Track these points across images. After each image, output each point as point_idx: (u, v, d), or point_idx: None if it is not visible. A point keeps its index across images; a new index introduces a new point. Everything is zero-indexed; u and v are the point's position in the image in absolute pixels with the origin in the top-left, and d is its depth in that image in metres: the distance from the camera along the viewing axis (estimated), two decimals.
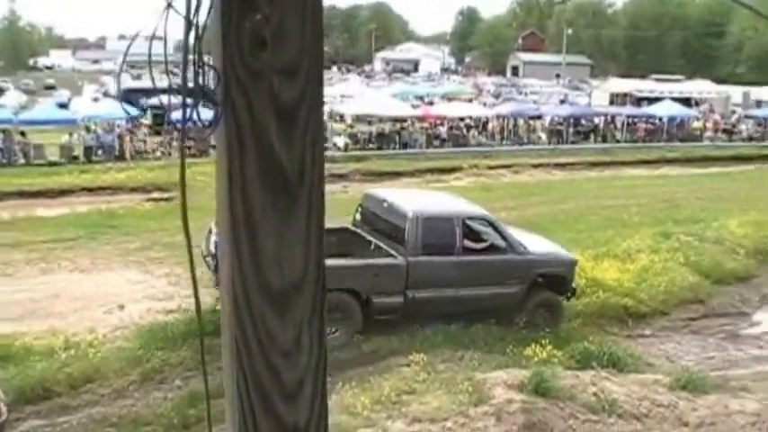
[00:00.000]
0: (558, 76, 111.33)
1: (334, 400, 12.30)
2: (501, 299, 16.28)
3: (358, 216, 17.74)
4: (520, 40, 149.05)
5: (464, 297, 15.87)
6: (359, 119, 48.31)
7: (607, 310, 18.76)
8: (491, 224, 16.67)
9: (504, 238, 16.49)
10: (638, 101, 70.07)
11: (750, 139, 60.57)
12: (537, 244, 17.56)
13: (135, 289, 18.74)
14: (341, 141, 44.37)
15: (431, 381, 13.12)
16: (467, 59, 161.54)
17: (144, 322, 16.25)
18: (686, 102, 69.86)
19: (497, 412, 11.78)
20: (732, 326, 19.96)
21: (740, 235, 25.31)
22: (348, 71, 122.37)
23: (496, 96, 76.81)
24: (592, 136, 54.66)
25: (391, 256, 15.73)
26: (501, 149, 48.41)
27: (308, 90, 1.55)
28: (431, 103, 58.97)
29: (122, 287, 18.87)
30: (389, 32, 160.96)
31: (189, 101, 1.57)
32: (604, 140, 54.41)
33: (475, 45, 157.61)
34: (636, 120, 58.19)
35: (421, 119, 49.88)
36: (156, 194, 30.81)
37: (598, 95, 75.17)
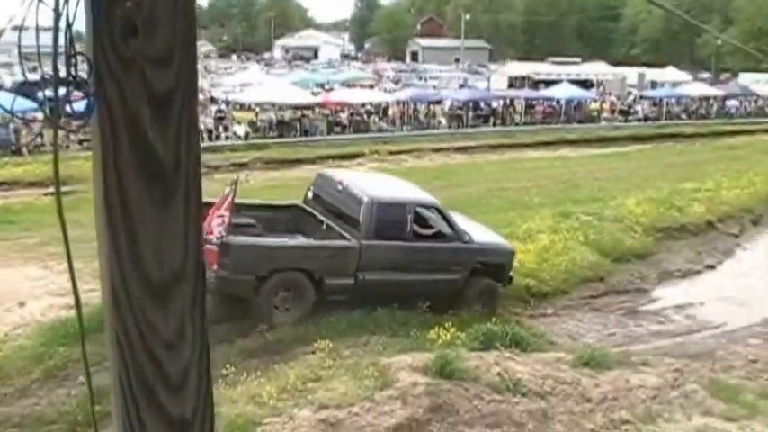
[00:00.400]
0: (457, 60, 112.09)
1: (240, 390, 12.23)
2: (444, 284, 16.71)
3: (310, 195, 17.81)
4: (419, 26, 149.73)
5: (410, 281, 16.26)
6: (259, 107, 47.91)
7: (510, 291, 18.99)
8: (440, 212, 17.06)
9: (450, 226, 16.88)
10: (537, 84, 71.08)
11: (646, 119, 62.10)
12: (480, 233, 17.98)
13: (35, 285, 18.27)
14: (241, 130, 43.96)
15: (336, 367, 13.11)
16: (367, 46, 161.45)
17: (45, 319, 15.87)
18: (583, 84, 71.18)
19: (403, 396, 11.84)
20: (632, 302, 20.44)
21: (638, 213, 25.90)
22: (248, 59, 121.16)
23: (396, 82, 76.98)
24: (491, 119, 55.28)
25: (345, 238, 15.90)
26: (402, 135, 48.58)
27: (181, 79, 1.53)
28: (331, 90, 58.79)
29: (22, 284, 18.39)
30: (289, 20, 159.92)
31: (63, 91, 1.54)
32: (504, 124, 55.09)
33: (374, 31, 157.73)
34: (534, 102, 59.04)
35: (321, 106, 49.68)
36: (54, 189, 29.98)
37: (497, 79, 76.03)
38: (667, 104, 65.07)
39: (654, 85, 79.23)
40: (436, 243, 16.72)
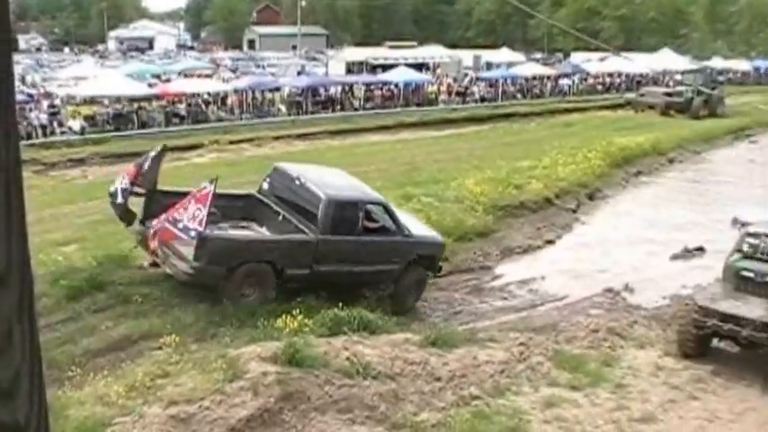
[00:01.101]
0: (294, 47, 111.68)
1: (87, 391, 11.94)
2: (386, 274, 17.94)
3: (265, 185, 18.61)
4: (255, 14, 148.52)
5: (358, 272, 17.43)
6: (95, 101, 46.61)
7: None
8: (385, 208, 18.17)
9: (394, 221, 18.04)
10: (374, 68, 71.63)
11: (482, 100, 63.51)
12: (415, 227, 19.09)
13: None
14: (76, 125, 42.69)
15: (185, 362, 12.94)
16: (203, 35, 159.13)
17: None
18: (421, 67, 72.15)
19: (253, 386, 11.81)
20: (476, 280, 20.90)
21: (478, 192, 26.42)
22: (81, 52, 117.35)
23: (234, 71, 76.11)
24: (331, 105, 55.44)
25: (303, 232, 16.95)
26: (241, 124, 48.25)
27: None
28: (168, 81, 57.72)
29: None
30: (122, 11, 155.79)
31: None
32: (343, 109, 55.34)
33: (210, 20, 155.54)
34: (372, 87, 59.47)
35: (159, 97, 48.78)
36: None
37: (335, 65, 76.26)
38: (503, 85, 66.74)
39: (489, 66, 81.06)
40: (381, 237, 17.88)
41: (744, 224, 19.19)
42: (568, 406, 13.30)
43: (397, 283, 18.29)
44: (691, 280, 20.42)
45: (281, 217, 17.52)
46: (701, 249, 23.94)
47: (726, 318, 14.85)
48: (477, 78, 69.31)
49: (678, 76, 72.22)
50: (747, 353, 15.28)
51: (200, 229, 14.77)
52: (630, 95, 64.76)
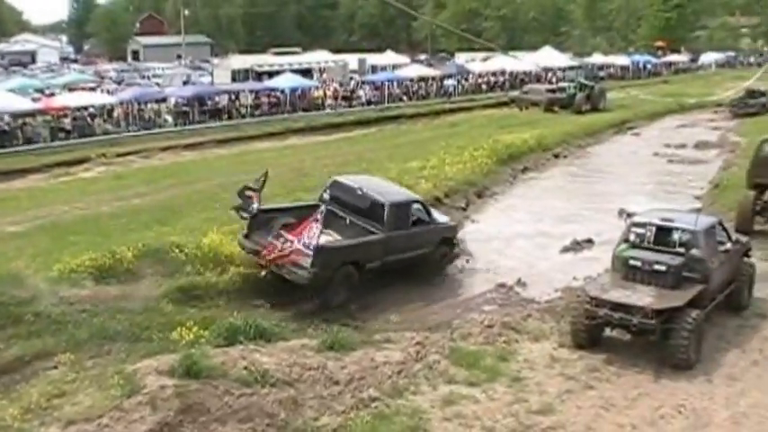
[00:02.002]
0: (179, 57, 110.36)
1: None
2: (423, 256, 21.04)
3: (326, 195, 21.42)
4: (138, 24, 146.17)
5: (408, 257, 20.55)
6: None
7: (249, 284, 18.88)
8: (422, 205, 22.01)
9: (428, 214, 21.85)
10: (260, 75, 71.17)
11: (369, 103, 63.78)
12: (438, 217, 22.87)
13: None
14: None
15: (81, 380, 12.66)
16: (86, 47, 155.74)
17: None
18: (306, 72, 72.05)
19: (152, 401, 11.65)
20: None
21: None
22: None
23: (119, 82, 74.66)
24: (218, 114, 54.92)
25: (373, 233, 20.07)
26: (128, 136, 47.29)
27: None
28: (52, 95, 56.25)
29: None
30: (3, 25, 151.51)
31: None
32: (230, 117, 54.81)
33: (93, 32, 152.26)
34: (259, 94, 59.16)
35: (43, 112, 47.48)
36: None
37: (220, 73, 75.33)
38: (388, 87, 67.05)
39: (374, 69, 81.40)
40: (422, 228, 21.29)
41: (630, 215, 19.73)
42: (467, 402, 13.44)
43: (428, 261, 21.31)
44: (581, 271, 20.86)
45: (347, 222, 20.55)
46: (589, 241, 24.42)
47: (616, 307, 15.23)
48: (363, 82, 69.51)
49: (560, 73, 73.77)
50: (638, 340, 15.70)
51: (315, 242, 17.57)
52: (514, 93, 65.77)
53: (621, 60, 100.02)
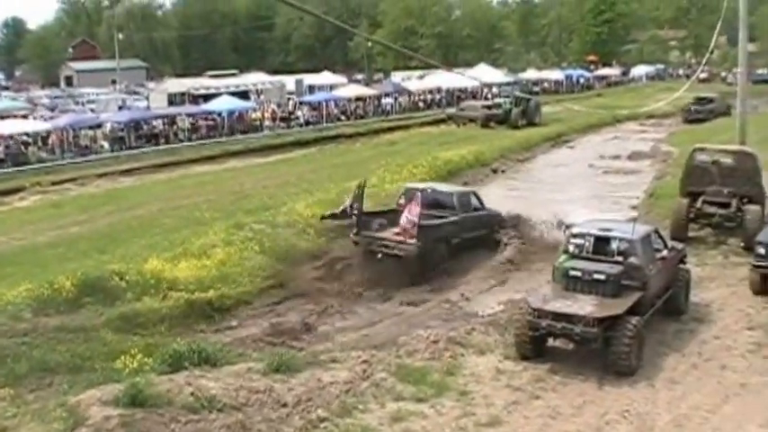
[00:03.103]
0: (114, 82, 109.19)
1: None
2: (481, 237, 25.30)
3: (402, 200, 24.87)
4: (71, 49, 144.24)
5: (471, 237, 24.83)
6: None
7: (193, 309, 18.82)
8: (476, 195, 26.71)
9: (481, 203, 26.25)
10: (197, 99, 70.76)
11: (307, 123, 63.78)
12: (490, 205, 26.88)
13: None
14: None
15: (22, 414, 12.43)
16: (18, 74, 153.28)
17: None
18: (243, 95, 71.76)
19: None
20: (312, 304, 20.82)
21: (309, 216, 26.38)
22: None
23: (53, 109, 73.63)
24: (155, 139, 54.44)
25: (452, 216, 24.66)
26: (64, 163, 46.77)
27: None
28: None
29: None
30: None
31: None
32: (168, 142, 54.41)
33: (25, 58, 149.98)
34: (196, 117, 58.79)
35: None
36: None
37: (156, 97, 74.72)
38: (326, 108, 67.09)
39: (312, 89, 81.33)
40: (479, 213, 25.79)
41: (568, 226, 19.94)
42: (416, 418, 13.45)
43: (489, 240, 25.56)
44: (521, 286, 21.01)
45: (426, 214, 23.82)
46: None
47: (558, 317, 15.39)
48: (301, 102, 69.41)
49: (496, 89, 74.42)
50: (581, 349, 15.85)
51: (417, 221, 22.27)
52: (451, 110, 66.29)
53: (555, 75, 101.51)
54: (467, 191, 27.52)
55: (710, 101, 63.66)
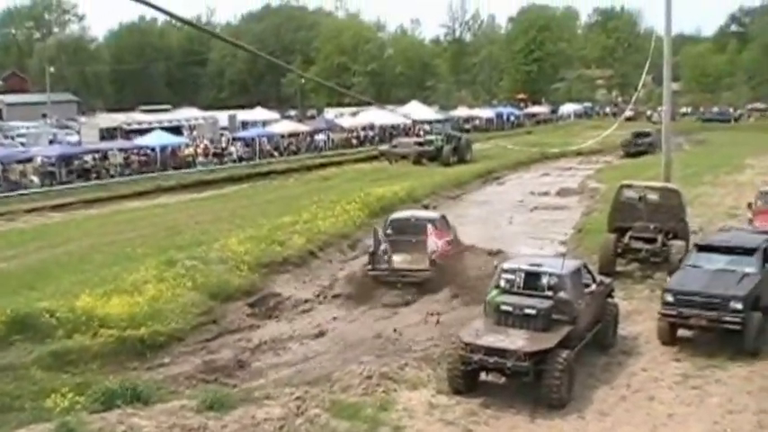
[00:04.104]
0: (44, 115, 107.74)
1: None
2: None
3: (389, 231, 26.98)
4: (1, 82, 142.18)
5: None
6: None
7: (125, 347, 18.59)
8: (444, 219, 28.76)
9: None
10: (129, 133, 70.18)
11: (240, 159, 63.69)
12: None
13: None
14: None
15: None
16: None
17: None
18: (176, 130, 71.42)
19: None
20: (245, 339, 20.72)
21: (241, 252, 26.32)
22: None
23: None
24: (86, 174, 53.78)
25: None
26: None
27: None
28: None
29: None
30: None
31: None
32: (99, 177, 53.78)
33: None
34: (129, 152, 58.30)
35: None
36: None
37: (88, 132, 73.87)
38: (259, 143, 67.07)
39: (245, 125, 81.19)
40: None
41: (498, 256, 20.16)
42: None
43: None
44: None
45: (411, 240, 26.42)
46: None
47: (490, 351, 15.52)
48: (234, 138, 69.31)
49: (427, 126, 75.11)
50: (513, 382, 15.98)
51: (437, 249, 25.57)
52: (384, 147, 66.73)
53: (486, 113, 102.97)
54: (442, 215, 29.45)
55: (648, 135, 67.23)
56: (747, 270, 18.95)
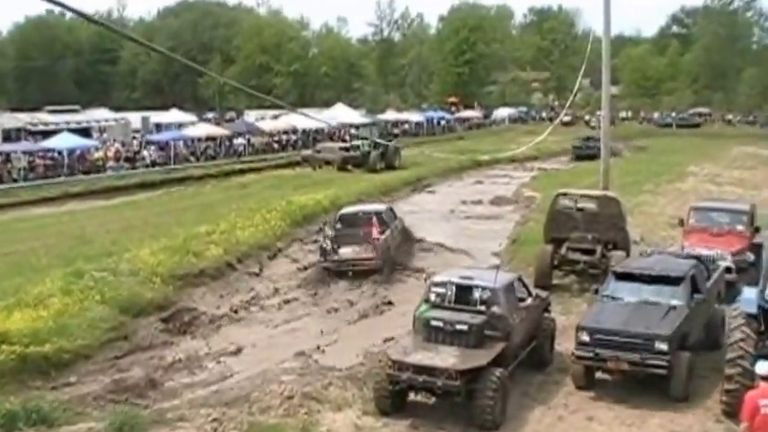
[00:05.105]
0: None
1: None
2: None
3: (339, 225, 30.19)
4: None
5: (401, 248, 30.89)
6: None
7: (27, 365, 18.18)
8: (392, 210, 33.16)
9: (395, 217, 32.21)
10: (34, 135, 69.03)
11: (154, 164, 63.06)
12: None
13: None
14: None
15: None
16: None
17: None
18: (85, 132, 70.44)
19: None
20: (158, 357, 20.43)
21: (154, 263, 25.96)
22: None
23: None
24: None
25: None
26: None
27: None
28: None
29: None
30: None
31: None
32: (1, 181, 52.92)
33: None
34: (34, 155, 57.34)
35: None
36: None
37: None
38: (174, 147, 66.42)
39: (159, 128, 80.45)
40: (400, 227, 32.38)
41: (428, 274, 20.13)
42: None
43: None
44: (380, 335, 21.12)
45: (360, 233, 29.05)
46: (389, 303, 24.71)
47: (419, 370, 15.46)
48: (147, 141, 68.65)
49: (353, 130, 75.08)
50: (444, 403, 15.96)
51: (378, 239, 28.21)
52: (307, 152, 66.59)
53: (415, 117, 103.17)
54: (389, 207, 33.34)
55: (597, 139, 67.57)
56: (673, 302, 17.72)
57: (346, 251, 28.30)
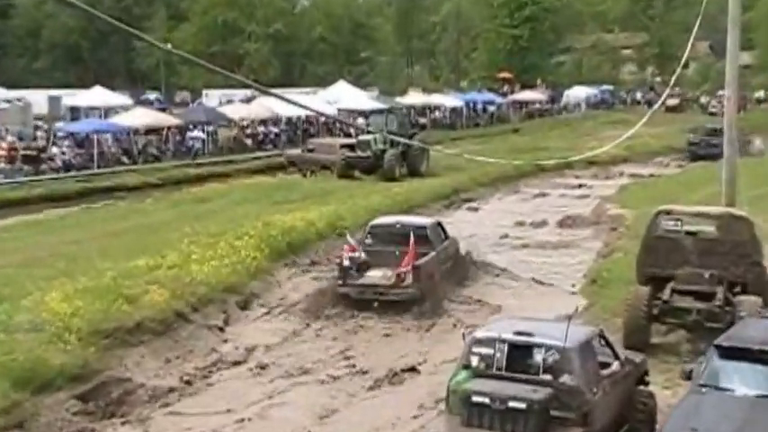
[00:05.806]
0: None
1: None
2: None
3: (369, 240, 32.31)
4: None
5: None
6: None
7: None
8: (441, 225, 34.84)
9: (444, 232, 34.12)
10: None
11: (68, 167, 63.21)
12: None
13: None
14: None
15: None
16: None
17: None
18: None
19: None
20: None
21: (69, 313, 25.63)
22: None
23: None
24: None
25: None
26: None
27: None
28: None
29: None
30: None
31: None
32: None
33: None
34: None
35: None
36: None
37: None
38: (99, 143, 66.31)
39: (76, 113, 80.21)
40: (446, 244, 33.75)
41: (469, 328, 20.06)
42: None
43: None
44: (397, 416, 21.21)
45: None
46: (413, 369, 24.59)
47: None
48: (58, 134, 68.52)
49: (361, 120, 74.86)
50: None
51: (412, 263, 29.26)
52: (294, 152, 66.59)
53: (451, 100, 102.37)
54: (436, 222, 34.85)
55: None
56: None
57: (374, 274, 29.68)
